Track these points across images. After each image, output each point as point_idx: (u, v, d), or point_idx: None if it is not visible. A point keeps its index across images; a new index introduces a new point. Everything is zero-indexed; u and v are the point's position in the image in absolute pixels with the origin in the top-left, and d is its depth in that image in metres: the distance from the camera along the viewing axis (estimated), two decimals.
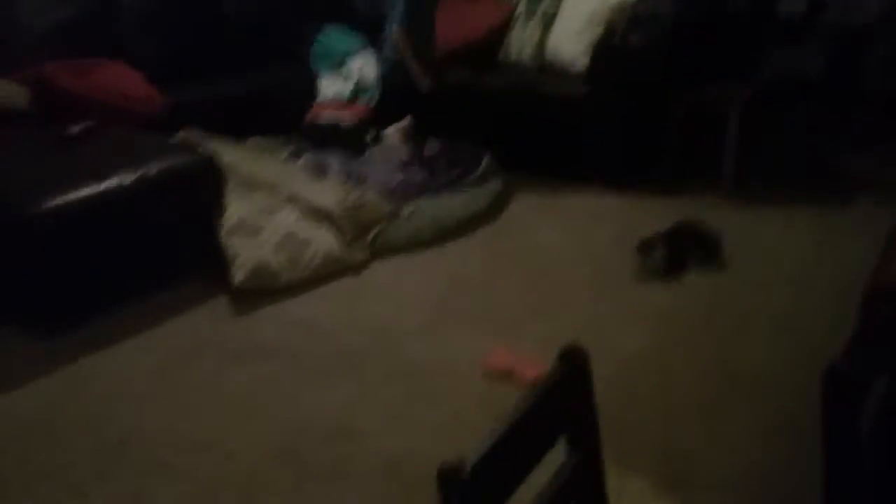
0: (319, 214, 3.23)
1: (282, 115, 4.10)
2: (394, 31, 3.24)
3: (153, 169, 2.91)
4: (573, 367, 1.06)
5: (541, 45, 4.14)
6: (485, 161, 3.74)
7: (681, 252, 3.09)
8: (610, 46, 3.77)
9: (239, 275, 2.94)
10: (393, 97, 4.25)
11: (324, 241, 3.15)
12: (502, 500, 0.93)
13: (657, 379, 2.46)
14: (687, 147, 3.83)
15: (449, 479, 0.85)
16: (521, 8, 4.26)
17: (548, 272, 3.15)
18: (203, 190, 3.07)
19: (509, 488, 0.95)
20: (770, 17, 4.30)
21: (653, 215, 3.44)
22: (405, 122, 3.96)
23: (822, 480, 1.19)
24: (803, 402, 1.91)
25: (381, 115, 4.19)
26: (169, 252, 3.00)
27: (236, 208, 3.13)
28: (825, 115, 4.22)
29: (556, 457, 1.08)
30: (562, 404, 1.06)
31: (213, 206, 3.06)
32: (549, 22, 4.13)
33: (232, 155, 3.48)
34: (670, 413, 2.30)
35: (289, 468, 2.13)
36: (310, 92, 4.34)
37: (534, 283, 3.06)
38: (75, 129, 3.13)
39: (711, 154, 3.72)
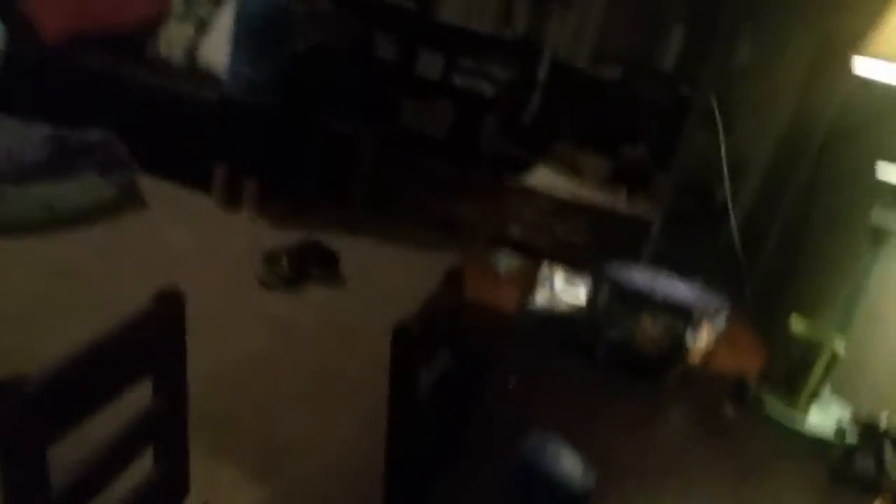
0: None
1: None
2: None
3: None
4: (167, 309, 1.08)
5: (193, 48, 4.09)
6: (116, 150, 3.54)
7: (303, 265, 3.25)
8: None
9: None
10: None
11: None
12: (72, 418, 0.92)
13: (265, 379, 2.55)
14: (323, 173, 4.04)
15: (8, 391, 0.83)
16: (176, 8, 4.17)
17: (171, 273, 3.07)
18: None
19: (81, 409, 0.94)
20: (409, 73, 4.79)
21: (283, 231, 3.60)
22: None
23: (386, 441, 1.35)
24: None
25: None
26: None
27: None
28: (446, 167, 4.75)
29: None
30: (150, 343, 1.08)
31: None
32: (203, 27, 4.11)
33: None
34: (271, 411, 2.38)
35: None
36: None
37: (153, 282, 2.95)
38: None
39: (345, 182, 3.98)
